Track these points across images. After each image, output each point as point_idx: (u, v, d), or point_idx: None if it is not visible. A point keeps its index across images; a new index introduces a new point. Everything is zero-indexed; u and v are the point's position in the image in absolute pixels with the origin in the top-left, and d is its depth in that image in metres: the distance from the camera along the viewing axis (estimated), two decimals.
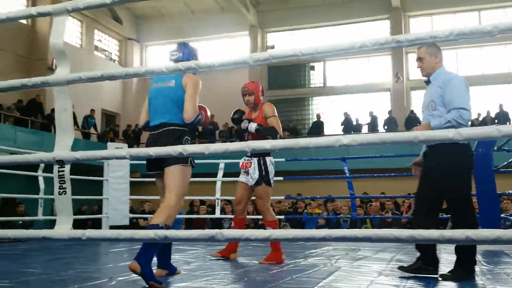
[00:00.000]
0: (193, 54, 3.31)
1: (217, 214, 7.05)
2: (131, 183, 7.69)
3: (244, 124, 4.04)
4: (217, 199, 6.97)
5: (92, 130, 16.88)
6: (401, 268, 3.27)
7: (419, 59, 3.24)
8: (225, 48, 20.13)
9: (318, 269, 3.61)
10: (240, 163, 4.23)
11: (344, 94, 18.49)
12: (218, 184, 6.98)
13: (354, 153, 12.57)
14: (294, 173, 13.86)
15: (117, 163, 7.47)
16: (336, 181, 10.89)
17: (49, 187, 13.12)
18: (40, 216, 6.51)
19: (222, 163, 7.09)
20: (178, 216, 9.35)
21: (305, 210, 9.96)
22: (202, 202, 11.15)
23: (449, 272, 3.15)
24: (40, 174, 6.47)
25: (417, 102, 17.11)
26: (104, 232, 1.77)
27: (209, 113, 3.38)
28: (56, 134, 1.88)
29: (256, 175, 4.08)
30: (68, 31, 18.29)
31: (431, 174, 3.16)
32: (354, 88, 18.27)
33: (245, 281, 3.13)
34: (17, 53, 15.27)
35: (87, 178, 7.95)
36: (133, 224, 9.77)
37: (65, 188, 1.86)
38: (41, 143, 12.81)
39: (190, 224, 10.40)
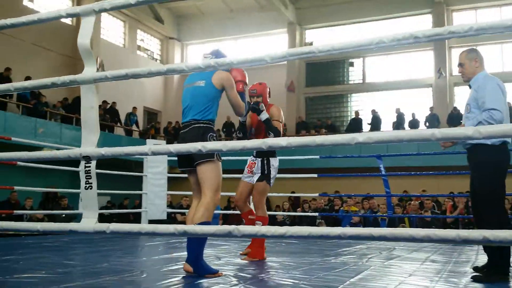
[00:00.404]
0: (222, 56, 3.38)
1: None
2: (172, 178, 7.84)
3: (261, 107, 4.09)
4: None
5: (134, 127, 17.30)
6: (474, 277, 3.09)
7: (460, 64, 3.33)
8: (264, 46, 20.15)
9: (348, 268, 3.58)
10: (248, 163, 4.38)
11: (384, 90, 18.15)
12: None
13: (394, 151, 12.35)
14: (334, 170, 13.77)
15: (156, 159, 7.65)
16: (377, 179, 10.77)
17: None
18: (81, 210, 6.71)
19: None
20: (215, 211, 9.47)
21: (342, 208, 9.87)
22: None
23: (481, 273, 3.12)
24: (81, 169, 6.67)
25: (460, 98, 16.62)
26: (127, 226, 1.81)
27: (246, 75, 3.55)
28: (82, 131, 1.95)
29: (259, 173, 4.25)
30: (112, 32, 18.79)
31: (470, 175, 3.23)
32: (395, 84, 17.91)
33: (271, 278, 3.14)
34: (62, 53, 15.79)
35: (130, 174, 8.19)
36: (171, 219, 9.96)
37: (91, 183, 1.93)
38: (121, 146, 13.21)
39: (227, 220, 10.51)
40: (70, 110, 14.16)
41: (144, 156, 7.73)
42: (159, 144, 5.85)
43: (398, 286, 2.84)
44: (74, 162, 6.43)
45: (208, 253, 4.34)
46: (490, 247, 3.10)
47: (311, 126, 17.96)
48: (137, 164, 13.51)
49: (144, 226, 1.80)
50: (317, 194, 7.65)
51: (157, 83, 20.81)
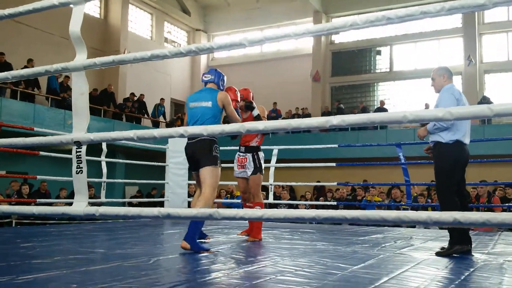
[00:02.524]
0: (221, 78, 4.09)
1: (270, 200, 7.11)
2: None
3: (254, 104, 4.72)
4: (270, 184, 7.02)
5: (161, 119, 17.52)
6: (438, 253, 3.67)
7: (432, 79, 3.93)
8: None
9: (355, 256, 3.56)
10: (236, 159, 4.94)
11: (412, 79, 17.81)
12: (271, 170, 7.03)
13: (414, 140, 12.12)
14: (361, 160, 13.65)
15: (176, 149, 7.74)
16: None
17: (112, 172, 13.79)
18: (103, 199, 6.88)
19: (275, 149, 7.13)
20: (236, 201, 9.52)
21: (364, 197, 9.78)
22: (263, 188, 11.24)
23: (442, 248, 3.73)
24: (103, 159, 6.82)
25: (491, 86, 16.16)
26: (116, 209, 1.85)
27: (238, 94, 4.38)
28: (73, 117, 2.00)
29: (252, 167, 4.82)
30: (139, 24, 19.02)
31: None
32: (423, 73, 17.51)
33: (276, 265, 3.16)
34: (91, 46, 16.08)
35: (152, 164, 8.32)
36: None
37: (82, 167, 1.98)
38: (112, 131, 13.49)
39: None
40: (98, 102, 14.45)
41: (166, 146, 7.84)
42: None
43: (400, 274, 2.81)
44: (100, 152, 6.60)
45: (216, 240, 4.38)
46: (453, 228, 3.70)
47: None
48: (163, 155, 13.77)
49: (130, 209, 1.83)
50: (335, 183, 7.60)
51: (184, 74, 21.00)
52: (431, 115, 1.37)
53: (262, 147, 4.95)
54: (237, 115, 4.10)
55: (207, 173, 3.77)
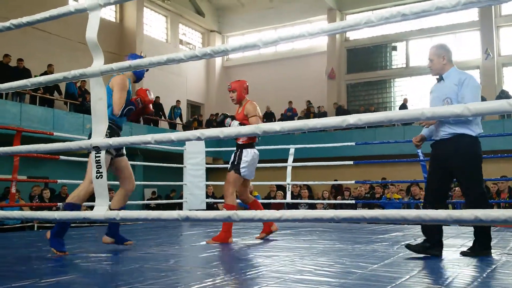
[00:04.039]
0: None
1: (288, 199, 7.10)
2: (214, 169, 7.96)
3: (227, 123, 4.44)
4: (288, 184, 7.02)
5: (178, 120, 17.63)
6: (408, 246, 3.55)
7: (429, 60, 3.53)
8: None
9: (375, 255, 3.54)
10: None
11: (429, 74, 17.58)
12: (289, 169, 7.03)
13: None
14: (378, 157, 13.54)
15: (194, 151, 7.79)
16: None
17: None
18: None
19: (292, 149, 7.12)
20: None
21: (384, 195, 9.71)
22: (280, 188, 11.25)
23: (468, 249, 3.54)
24: (92, 159, 6.86)
25: (509, 79, 15.89)
26: (135, 213, 1.88)
27: (151, 96, 4.01)
28: (92, 122, 2.02)
29: (230, 163, 4.57)
30: (154, 27, 19.16)
31: (445, 163, 3.44)
32: None
33: (295, 265, 3.15)
34: (108, 50, 16.26)
35: (170, 166, 8.37)
36: (213, 209, 10.12)
37: (102, 172, 2.00)
38: (130, 135, 13.64)
39: (268, 209, 10.56)
40: None
41: (184, 148, 7.89)
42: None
43: (421, 272, 2.79)
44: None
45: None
46: (425, 225, 3.48)
47: (353, 114, 17.72)
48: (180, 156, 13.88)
49: (150, 213, 1.85)
50: (353, 182, 7.55)
51: (200, 76, 21.10)
52: (449, 111, 1.36)
53: (267, 147, 4.76)
54: (121, 102, 3.76)
55: (88, 162, 3.60)
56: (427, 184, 3.59)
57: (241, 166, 4.50)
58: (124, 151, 4.00)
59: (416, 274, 2.71)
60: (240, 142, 4.50)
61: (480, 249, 3.47)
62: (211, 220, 1.74)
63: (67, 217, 2.02)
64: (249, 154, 4.53)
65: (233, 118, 4.52)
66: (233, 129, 1.71)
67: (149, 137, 1.88)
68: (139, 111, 3.96)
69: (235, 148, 4.63)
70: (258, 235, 4.88)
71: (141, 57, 3.80)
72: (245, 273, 2.78)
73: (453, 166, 3.44)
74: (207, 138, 1.75)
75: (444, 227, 6.07)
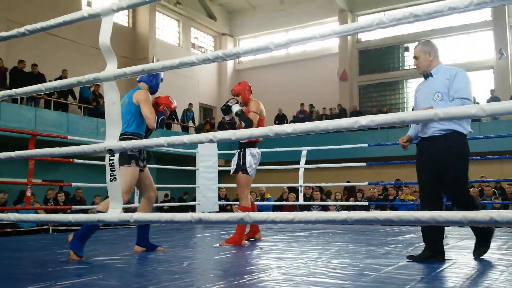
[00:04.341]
0: (150, 75, 4.00)
1: (301, 201, 7.09)
2: (226, 171, 7.95)
3: (231, 102, 4.48)
4: (300, 186, 7.01)
5: (190, 123, 17.71)
6: (410, 257, 3.37)
7: (415, 57, 3.42)
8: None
9: (389, 257, 3.52)
10: None
11: None
12: (301, 171, 7.02)
13: None
14: (392, 158, 13.43)
15: (206, 153, 7.82)
16: None
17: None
18: (137, 204, 7.00)
19: (304, 151, 7.11)
20: (267, 203, 9.50)
21: (398, 196, 9.64)
22: (292, 190, 11.23)
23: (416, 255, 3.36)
24: (106, 162, 6.92)
25: None
26: (149, 215, 1.89)
27: (174, 102, 4.10)
28: (106, 126, 2.04)
29: (235, 165, 4.57)
30: (167, 31, 19.28)
31: (434, 162, 3.28)
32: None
33: (308, 267, 3.15)
34: (120, 55, 16.40)
35: (182, 168, 8.40)
36: (226, 211, 10.13)
37: (115, 175, 2.02)
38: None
39: (280, 211, 10.53)
40: None
41: (196, 151, 7.92)
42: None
43: (435, 274, 2.77)
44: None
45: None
46: (427, 233, 3.34)
47: (365, 115, 17.62)
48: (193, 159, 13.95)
49: (163, 215, 1.86)
50: (366, 183, 7.52)
51: (212, 79, 21.18)
52: (463, 112, 1.35)
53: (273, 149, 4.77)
54: (153, 115, 3.84)
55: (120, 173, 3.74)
56: (419, 187, 3.46)
57: (247, 166, 4.51)
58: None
59: (430, 276, 2.69)
60: (243, 141, 4.47)
61: (487, 245, 3.43)
62: (223, 222, 1.74)
63: (81, 220, 2.04)
64: (253, 154, 4.56)
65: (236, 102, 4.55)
66: (245, 131, 1.72)
67: (162, 140, 1.89)
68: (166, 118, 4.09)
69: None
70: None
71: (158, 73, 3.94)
72: (258, 276, 2.78)
73: (442, 165, 3.25)
74: (220, 141, 1.76)
75: (459, 229, 6.03)
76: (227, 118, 4.67)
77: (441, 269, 2.94)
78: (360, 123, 1.49)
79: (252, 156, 4.54)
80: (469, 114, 1.34)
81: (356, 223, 1.44)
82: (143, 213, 1.90)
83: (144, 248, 4.08)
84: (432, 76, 3.32)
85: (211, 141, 1.77)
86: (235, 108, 4.44)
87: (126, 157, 3.68)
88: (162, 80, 4.13)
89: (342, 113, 16.97)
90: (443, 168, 3.25)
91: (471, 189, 9.42)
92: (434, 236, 3.30)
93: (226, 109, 4.53)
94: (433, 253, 3.28)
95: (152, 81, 4.03)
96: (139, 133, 3.85)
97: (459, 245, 4.27)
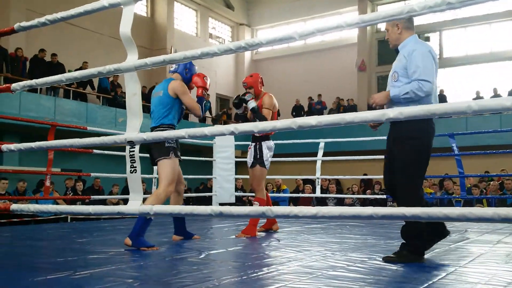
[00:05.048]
0: (188, 67, 3.99)
1: (317, 193, 7.05)
2: (243, 162, 7.93)
3: (248, 97, 4.45)
4: (317, 178, 6.96)
5: (207, 114, 17.72)
6: (386, 258, 3.03)
7: (386, 30, 3.12)
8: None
9: None
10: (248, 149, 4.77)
11: (462, 65, 17.17)
12: (318, 164, 6.96)
13: (473, 128, 11.72)
14: None
15: (223, 144, 7.81)
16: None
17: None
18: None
19: (322, 142, 7.05)
20: (283, 195, 9.47)
21: None
22: (308, 182, 11.18)
23: (393, 254, 3.01)
24: (127, 153, 6.93)
25: None
26: (169, 208, 1.87)
27: (208, 81, 4.04)
28: (127, 117, 2.03)
29: (251, 158, 4.62)
30: (185, 21, 19.27)
31: (388, 150, 3.06)
32: (474, 58, 16.89)
33: (327, 260, 3.12)
34: (139, 45, 16.38)
35: (199, 159, 8.42)
36: (242, 202, 10.14)
37: (136, 167, 2.01)
38: None
39: (295, 203, 10.52)
40: (148, 101, 14.74)
41: (213, 142, 7.91)
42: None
43: (458, 269, 2.71)
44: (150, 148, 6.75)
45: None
46: (405, 228, 3.02)
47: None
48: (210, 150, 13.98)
49: (184, 208, 1.85)
50: (381, 176, 7.41)
51: (229, 69, 21.14)
52: (497, 104, 1.29)
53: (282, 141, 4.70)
54: (196, 104, 3.90)
55: (159, 166, 3.71)
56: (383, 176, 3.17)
57: (264, 159, 4.58)
58: None
59: (453, 272, 2.64)
60: (257, 134, 4.40)
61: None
62: (245, 216, 1.72)
63: (101, 211, 2.03)
64: (269, 147, 4.63)
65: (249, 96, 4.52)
66: (268, 123, 1.68)
67: (183, 132, 1.87)
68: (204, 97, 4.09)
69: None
70: (259, 228, 4.87)
71: (189, 63, 3.97)
72: (277, 268, 2.76)
73: (390, 153, 3.01)
74: (241, 133, 1.73)
75: (479, 223, 5.92)
76: (238, 111, 4.72)
77: (464, 263, 2.88)
78: (388, 115, 1.44)
79: (268, 149, 4.62)
80: (504, 107, 1.28)
81: (383, 219, 1.40)
82: (164, 205, 1.89)
83: (182, 236, 4.17)
84: (400, 52, 3.02)
85: (232, 133, 1.74)
86: (252, 104, 4.43)
87: (165, 149, 3.70)
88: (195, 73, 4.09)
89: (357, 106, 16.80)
90: (391, 156, 3.03)
91: (491, 182, 9.27)
92: (412, 234, 2.97)
93: (239, 103, 4.56)
94: (409, 252, 2.95)
95: (187, 74, 4.00)
96: (174, 124, 3.87)
97: (481, 239, 4.20)
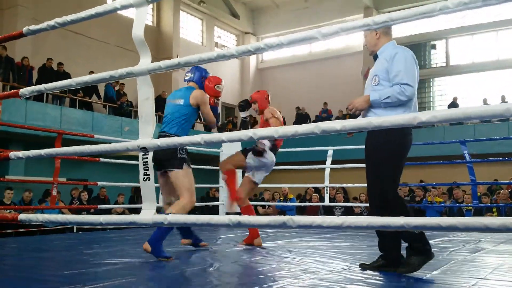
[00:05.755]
0: (203, 75, 3.96)
1: (326, 202, 6.93)
2: None
3: (243, 104, 4.56)
4: (326, 186, 6.85)
5: None
6: (362, 265, 3.08)
7: (364, 36, 3.07)
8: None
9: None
10: None
11: (469, 73, 17.07)
12: (327, 172, 6.86)
13: (481, 136, 11.59)
14: (416, 159, 13.15)
15: (230, 153, 7.69)
16: (463, 166, 10.19)
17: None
18: (161, 203, 6.93)
19: (330, 150, 6.96)
20: (291, 204, 9.36)
21: (425, 198, 9.41)
22: (315, 190, 11.06)
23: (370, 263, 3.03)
24: (140, 161, 6.87)
25: None
26: (184, 217, 1.79)
27: (222, 83, 3.99)
28: (139, 123, 1.95)
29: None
30: (190, 30, 19.29)
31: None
32: (481, 66, 16.77)
33: (337, 269, 3.02)
34: None
35: (206, 168, 8.32)
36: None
37: (149, 174, 1.93)
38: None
39: (303, 212, 10.41)
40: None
41: (220, 150, 7.82)
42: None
43: (480, 281, 2.61)
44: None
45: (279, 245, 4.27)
46: (382, 241, 2.94)
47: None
48: (216, 159, 13.90)
49: (199, 217, 1.76)
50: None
51: (234, 78, 21.12)
52: None
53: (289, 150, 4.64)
54: (214, 113, 3.88)
55: (174, 177, 3.63)
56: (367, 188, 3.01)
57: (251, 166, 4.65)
58: None
59: (476, 284, 2.53)
60: (261, 148, 4.44)
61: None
62: (264, 226, 1.63)
63: (113, 221, 1.95)
64: (263, 159, 4.59)
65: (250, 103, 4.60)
66: (290, 128, 1.60)
67: (198, 138, 1.79)
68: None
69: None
70: (241, 242, 4.79)
71: (203, 72, 3.96)
72: (292, 282, 2.66)
73: (366, 157, 2.90)
74: (260, 138, 1.65)
75: (492, 233, 5.79)
76: (242, 115, 4.69)
77: (484, 275, 2.78)
78: (420, 119, 1.36)
79: (263, 161, 4.59)
80: None
81: (415, 229, 1.32)
82: (178, 215, 1.80)
83: (190, 239, 4.20)
84: (378, 58, 2.95)
85: (251, 138, 1.66)
86: (243, 114, 4.60)
87: (178, 161, 3.62)
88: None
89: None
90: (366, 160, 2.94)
91: (501, 191, 9.13)
92: (390, 245, 2.92)
93: (245, 106, 4.59)
94: (386, 262, 2.93)
95: (203, 83, 3.96)
96: (187, 135, 3.81)
97: (497, 250, 4.09)
